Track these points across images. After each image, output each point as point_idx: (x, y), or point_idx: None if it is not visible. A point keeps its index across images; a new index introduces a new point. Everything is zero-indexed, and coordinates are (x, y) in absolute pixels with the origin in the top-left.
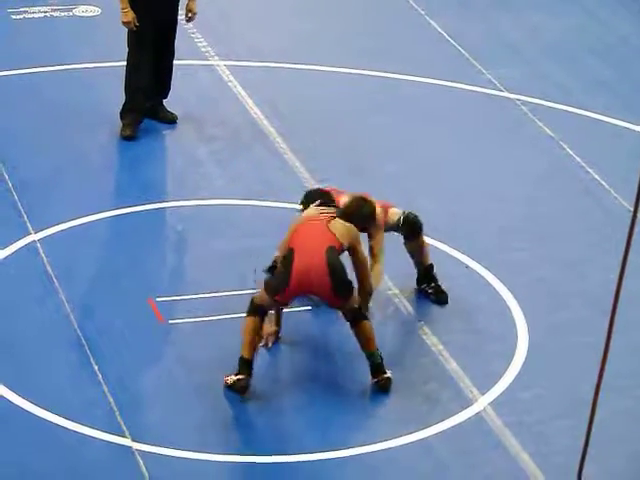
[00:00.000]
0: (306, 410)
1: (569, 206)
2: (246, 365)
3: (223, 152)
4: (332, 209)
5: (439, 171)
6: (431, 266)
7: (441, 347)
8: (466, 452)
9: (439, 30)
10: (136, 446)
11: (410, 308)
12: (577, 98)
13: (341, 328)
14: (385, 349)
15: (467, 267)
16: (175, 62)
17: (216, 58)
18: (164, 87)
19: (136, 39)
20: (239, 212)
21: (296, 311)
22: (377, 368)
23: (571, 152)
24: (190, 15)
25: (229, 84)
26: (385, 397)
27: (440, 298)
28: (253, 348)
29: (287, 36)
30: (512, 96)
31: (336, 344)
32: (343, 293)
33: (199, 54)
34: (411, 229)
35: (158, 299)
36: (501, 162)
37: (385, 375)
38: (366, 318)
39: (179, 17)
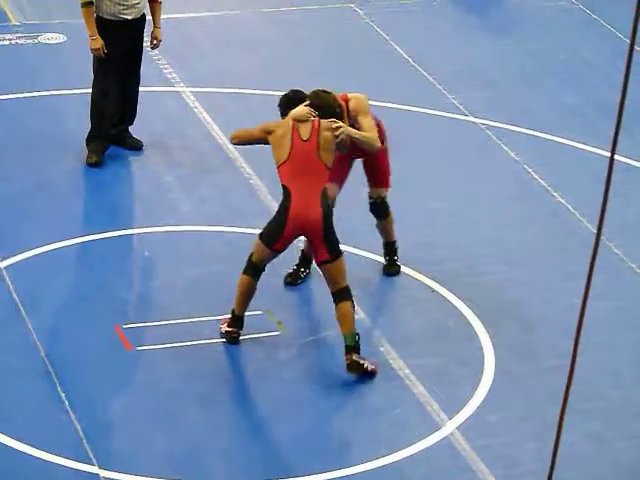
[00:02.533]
0: (273, 437)
1: (535, 229)
2: (237, 320)
3: (189, 178)
4: (311, 113)
5: (405, 196)
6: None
7: (408, 371)
8: (435, 476)
9: (404, 55)
10: (103, 474)
11: (375, 331)
12: (541, 122)
13: (301, 359)
14: (349, 377)
15: (433, 291)
16: (141, 89)
17: (182, 84)
18: (130, 114)
19: (102, 66)
20: (206, 238)
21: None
22: (348, 349)
23: (536, 176)
24: (155, 42)
25: (195, 110)
26: (353, 422)
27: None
28: (245, 305)
29: (252, 61)
30: (477, 120)
31: (302, 371)
32: (331, 246)
33: (165, 80)
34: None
35: (125, 326)
36: (467, 186)
37: (353, 357)
38: (350, 299)
39: (144, 44)
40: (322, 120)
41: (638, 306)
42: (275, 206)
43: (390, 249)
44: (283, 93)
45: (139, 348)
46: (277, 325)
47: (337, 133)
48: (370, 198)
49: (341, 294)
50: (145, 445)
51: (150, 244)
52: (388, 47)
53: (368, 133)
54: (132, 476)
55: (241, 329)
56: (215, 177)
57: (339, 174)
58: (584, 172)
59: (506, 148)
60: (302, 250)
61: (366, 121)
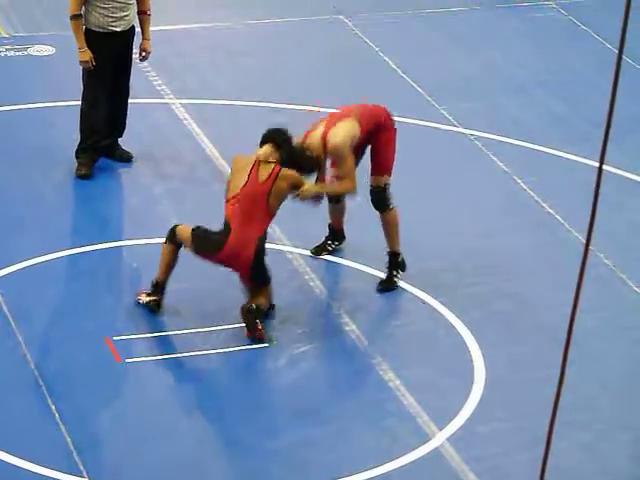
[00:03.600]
0: (262, 449)
1: (524, 240)
2: (158, 288)
3: (179, 190)
4: (276, 158)
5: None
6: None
7: (398, 382)
8: None
9: (393, 66)
10: None
11: (366, 343)
12: (530, 133)
13: (291, 371)
14: (343, 385)
15: (424, 303)
16: (130, 100)
17: (171, 96)
18: (119, 126)
19: (92, 78)
20: None
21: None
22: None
23: (525, 186)
24: (144, 54)
25: (184, 122)
26: (343, 433)
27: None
28: (166, 272)
29: (242, 73)
30: (466, 131)
31: (292, 382)
32: (257, 281)
33: (154, 92)
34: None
35: (115, 338)
36: (456, 197)
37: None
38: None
39: (133, 56)
40: (283, 170)
41: (628, 317)
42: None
43: (390, 260)
44: (273, 127)
45: (129, 360)
46: (267, 337)
47: (297, 194)
48: (370, 186)
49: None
50: (135, 457)
51: (140, 256)
52: (377, 58)
53: (339, 185)
54: None
55: (162, 296)
56: (205, 189)
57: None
58: (573, 182)
59: (495, 159)
60: (329, 224)
61: (343, 169)
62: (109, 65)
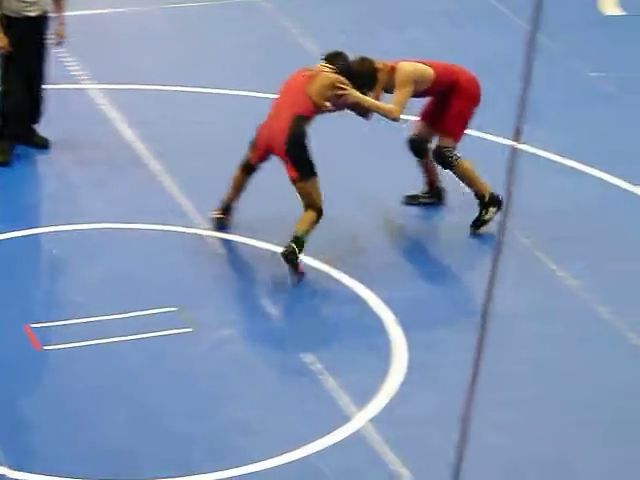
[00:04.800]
0: (187, 434)
1: (445, 224)
2: (226, 209)
3: (98, 176)
4: (329, 69)
5: (327, 182)
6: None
7: (319, 365)
8: (347, 469)
9: (312, 48)
10: (13, 474)
11: (286, 326)
12: None
13: (213, 355)
14: (263, 368)
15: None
16: (47, 86)
17: (88, 81)
18: (36, 112)
19: (6, 64)
20: (115, 236)
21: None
22: (296, 240)
23: (444, 172)
24: (59, 39)
25: (102, 107)
26: (264, 416)
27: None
28: (233, 196)
29: (158, 58)
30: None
31: (214, 367)
32: (299, 167)
33: (71, 78)
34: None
35: (34, 325)
36: (384, 179)
37: (294, 246)
38: (312, 211)
39: (49, 41)
40: (329, 73)
41: (547, 297)
42: (187, 202)
43: (480, 203)
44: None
45: (48, 347)
46: (188, 322)
47: (339, 92)
48: (435, 145)
49: (306, 208)
50: (57, 445)
51: (59, 242)
52: (296, 40)
53: (382, 104)
54: (43, 476)
55: (228, 215)
56: (124, 174)
57: (428, 113)
58: (494, 162)
59: None
60: (425, 179)
61: (396, 94)
62: (24, 51)
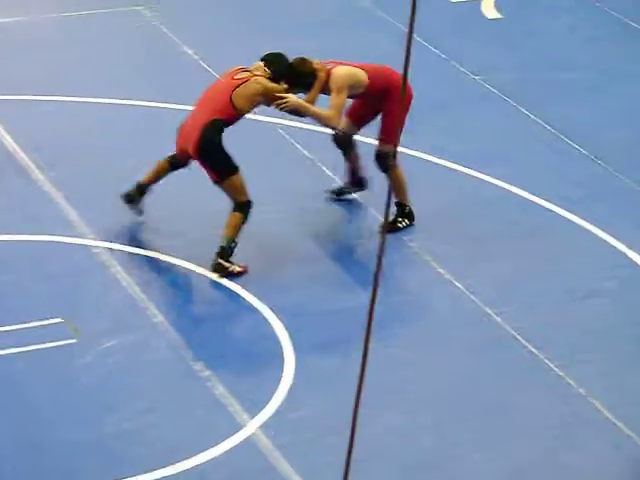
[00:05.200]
0: (70, 444)
1: (329, 224)
2: (138, 186)
3: None
4: (264, 70)
5: (196, 197)
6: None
7: (208, 372)
8: (239, 477)
9: (194, 57)
10: None
11: (174, 334)
12: None
13: (99, 366)
14: (151, 377)
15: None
16: None
17: None
18: None
19: None
20: (1, 247)
21: None
22: (222, 250)
23: (329, 172)
24: None
25: None
26: (155, 426)
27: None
28: (148, 178)
29: (40, 67)
30: (271, 120)
31: (100, 377)
32: (216, 169)
33: None
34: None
35: None
36: (265, 187)
37: (217, 260)
38: (239, 211)
39: None
40: (261, 77)
41: (433, 298)
42: (72, 212)
43: (397, 209)
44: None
45: None
46: (73, 332)
47: (278, 103)
48: (375, 149)
49: (234, 207)
50: None
51: None
52: (177, 49)
53: (320, 111)
54: None
55: (139, 195)
56: (6, 185)
57: (355, 113)
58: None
59: (299, 147)
60: (348, 170)
61: (333, 99)
62: None
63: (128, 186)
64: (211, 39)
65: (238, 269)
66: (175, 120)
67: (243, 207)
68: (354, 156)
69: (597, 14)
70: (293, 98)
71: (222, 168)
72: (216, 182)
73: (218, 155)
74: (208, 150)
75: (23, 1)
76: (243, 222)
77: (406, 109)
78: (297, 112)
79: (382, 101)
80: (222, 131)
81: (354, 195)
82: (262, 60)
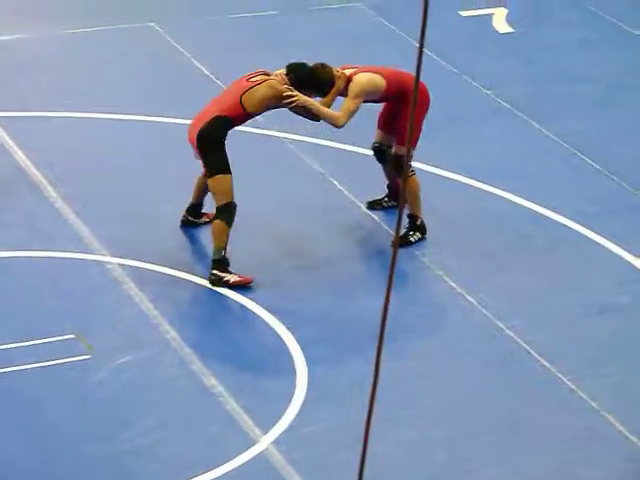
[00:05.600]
0: (92, 458)
1: (343, 239)
2: (189, 207)
3: None
4: (282, 77)
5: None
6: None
7: (221, 388)
8: None
9: (205, 72)
10: None
11: (187, 350)
12: (344, 135)
13: (113, 381)
14: (165, 393)
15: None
16: None
17: None
18: None
19: None
20: (11, 263)
21: None
22: (214, 263)
23: (340, 187)
24: None
25: None
26: (168, 442)
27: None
28: (193, 197)
29: (54, 84)
30: (281, 135)
31: (114, 392)
32: (208, 164)
33: None
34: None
35: None
36: (274, 196)
37: (212, 272)
38: (220, 218)
39: None
40: (274, 80)
41: (445, 312)
42: (83, 228)
43: (409, 221)
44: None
45: None
46: (87, 348)
47: (287, 101)
48: (392, 153)
49: (216, 211)
50: None
51: None
52: (189, 64)
53: (330, 111)
54: None
55: (192, 215)
56: (19, 201)
57: (383, 121)
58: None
59: (309, 161)
60: (387, 184)
61: (347, 102)
62: None
63: (139, 201)
64: (222, 54)
65: (235, 279)
66: (186, 135)
67: (224, 211)
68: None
69: (608, 28)
70: (302, 96)
71: (215, 164)
72: (206, 176)
73: (216, 150)
74: (208, 141)
75: (29, 19)
76: (228, 227)
77: (423, 112)
78: (306, 110)
79: (400, 105)
80: (227, 128)
81: (366, 210)
82: (287, 67)
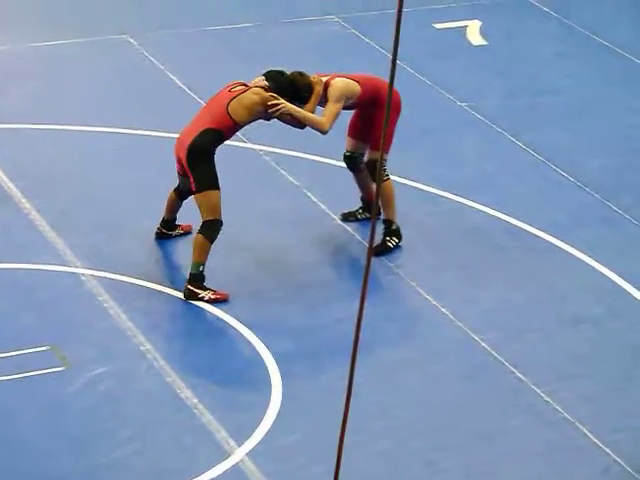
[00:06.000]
0: (68, 472)
1: (317, 251)
2: (163, 222)
3: None
4: (264, 83)
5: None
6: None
7: (195, 400)
8: None
9: (180, 85)
10: None
11: (162, 362)
12: (319, 147)
13: (87, 393)
14: (139, 405)
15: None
16: None
17: None
18: None
19: None
20: None
21: None
22: (191, 277)
23: (315, 199)
24: None
25: None
26: (142, 453)
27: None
28: (165, 213)
29: (26, 96)
30: (256, 147)
31: (89, 405)
32: (196, 179)
33: None
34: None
35: None
36: (249, 208)
37: (187, 286)
38: (202, 233)
39: None
40: (258, 88)
41: (419, 324)
42: (57, 240)
43: (385, 227)
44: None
45: None
46: (62, 360)
47: (273, 109)
48: (366, 159)
49: (201, 226)
50: None
51: None
52: (164, 77)
53: (315, 117)
54: None
55: (166, 229)
56: None
57: (354, 128)
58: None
59: (284, 173)
60: (361, 196)
61: (329, 108)
62: None
63: (113, 213)
64: (197, 66)
65: (211, 296)
66: (162, 148)
67: (209, 227)
68: (367, 183)
69: (581, 40)
70: (288, 103)
71: (204, 179)
72: (194, 192)
73: (205, 164)
74: (197, 155)
75: (1, 31)
76: (210, 243)
77: (396, 117)
78: (291, 117)
79: (372, 110)
80: (218, 140)
81: (340, 222)
82: (265, 75)
